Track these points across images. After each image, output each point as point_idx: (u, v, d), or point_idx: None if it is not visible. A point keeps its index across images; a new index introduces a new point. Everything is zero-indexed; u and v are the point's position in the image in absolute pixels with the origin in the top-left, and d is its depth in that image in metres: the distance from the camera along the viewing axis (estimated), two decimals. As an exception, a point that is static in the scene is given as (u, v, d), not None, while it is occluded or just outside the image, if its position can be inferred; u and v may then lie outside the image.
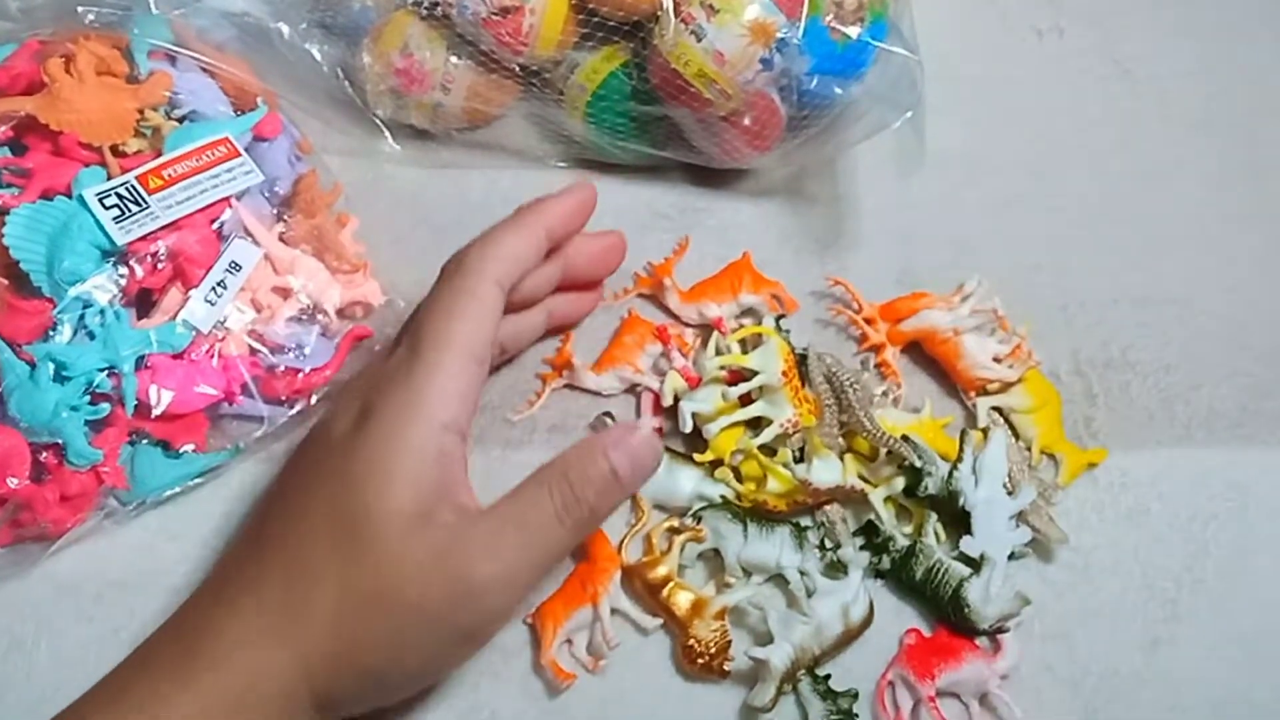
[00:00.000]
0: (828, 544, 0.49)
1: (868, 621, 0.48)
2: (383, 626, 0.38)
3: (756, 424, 0.50)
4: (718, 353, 0.52)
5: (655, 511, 0.50)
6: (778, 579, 0.48)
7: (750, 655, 0.46)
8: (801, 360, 0.51)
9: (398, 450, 0.38)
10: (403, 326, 0.45)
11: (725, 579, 0.48)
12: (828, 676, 0.46)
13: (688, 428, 0.49)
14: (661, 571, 0.47)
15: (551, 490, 0.40)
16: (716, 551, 0.48)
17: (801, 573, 0.48)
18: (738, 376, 0.50)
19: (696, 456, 0.50)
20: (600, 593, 0.47)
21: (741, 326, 0.54)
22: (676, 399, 0.51)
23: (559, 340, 0.54)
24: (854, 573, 0.48)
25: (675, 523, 0.49)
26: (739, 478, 0.50)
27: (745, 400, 0.50)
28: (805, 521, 0.50)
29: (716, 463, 0.50)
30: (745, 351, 0.51)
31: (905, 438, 0.50)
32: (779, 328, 0.53)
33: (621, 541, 0.48)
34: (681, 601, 0.47)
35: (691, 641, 0.46)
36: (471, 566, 0.38)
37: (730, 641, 0.46)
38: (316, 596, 0.38)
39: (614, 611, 0.47)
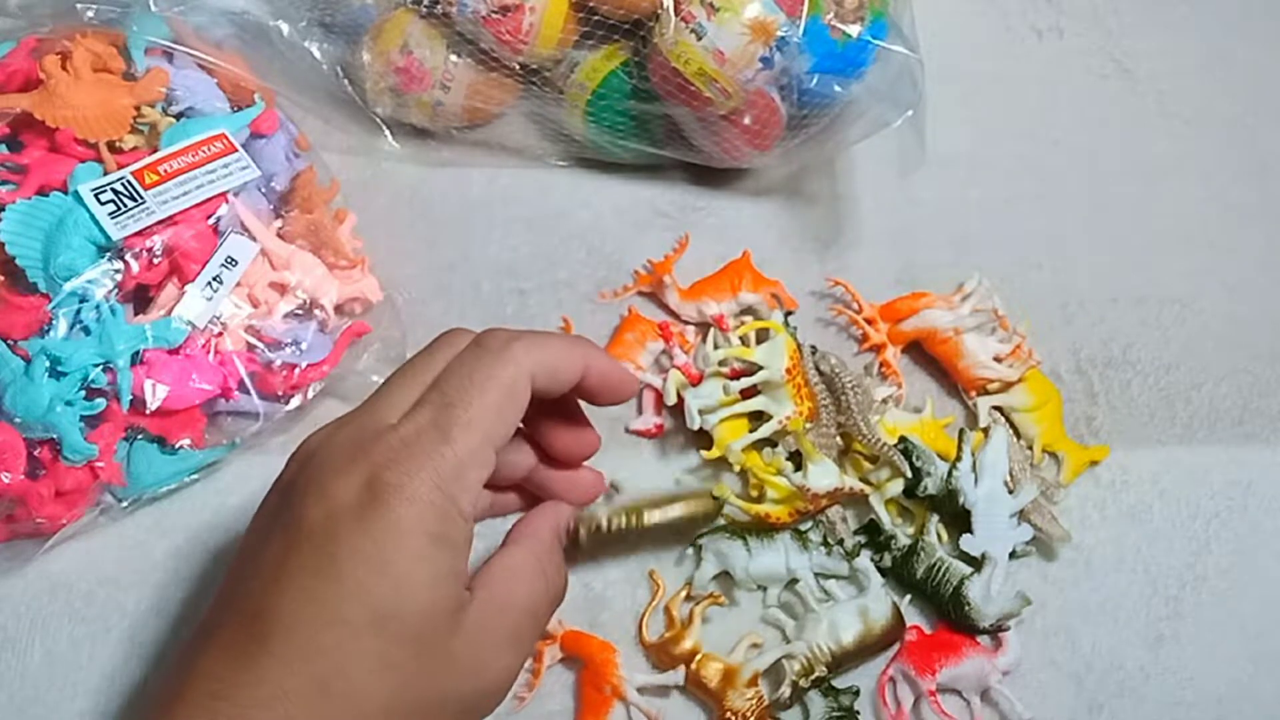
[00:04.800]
0: (830, 540, 0.49)
1: (893, 627, 0.47)
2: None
3: (760, 419, 0.50)
4: (715, 347, 0.52)
5: (669, 582, 0.49)
6: (794, 593, 0.48)
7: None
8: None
9: (432, 540, 0.36)
10: (403, 373, 0.38)
11: (753, 640, 0.47)
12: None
13: (695, 424, 0.49)
14: (687, 645, 0.46)
15: (535, 571, 0.39)
16: (727, 572, 0.48)
17: (818, 574, 0.47)
18: (740, 372, 0.50)
19: (704, 454, 0.49)
20: (618, 683, 0.45)
21: (742, 324, 0.54)
22: (680, 397, 0.50)
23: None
24: (875, 577, 0.48)
25: (689, 590, 0.48)
26: (745, 481, 0.49)
27: (748, 395, 0.50)
28: (803, 524, 0.49)
29: (722, 461, 0.49)
30: (747, 347, 0.51)
31: (903, 439, 0.50)
32: (787, 324, 0.52)
33: (641, 619, 0.48)
34: (711, 674, 0.46)
35: (729, 715, 0.45)
36: (495, 659, 0.37)
37: (768, 706, 0.45)
38: (360, 697, 0.35)
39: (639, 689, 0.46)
